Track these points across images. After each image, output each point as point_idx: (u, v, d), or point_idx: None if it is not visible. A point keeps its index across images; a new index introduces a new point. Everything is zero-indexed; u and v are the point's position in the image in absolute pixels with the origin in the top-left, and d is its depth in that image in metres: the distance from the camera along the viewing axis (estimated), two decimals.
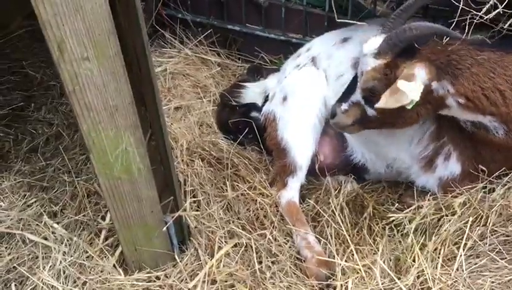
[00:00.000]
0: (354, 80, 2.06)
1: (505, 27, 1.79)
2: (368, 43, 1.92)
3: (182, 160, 2.40)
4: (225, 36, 3.25)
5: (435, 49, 1.84)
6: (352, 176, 2.43)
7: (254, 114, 2.71)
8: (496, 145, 1.98)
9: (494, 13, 1.73)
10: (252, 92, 2.80)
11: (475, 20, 1.73)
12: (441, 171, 2.20)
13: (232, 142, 2.63)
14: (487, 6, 1.74)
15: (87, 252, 2.03)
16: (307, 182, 2.43)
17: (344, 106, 2.07)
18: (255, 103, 2.75)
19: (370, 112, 2.00)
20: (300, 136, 2.39)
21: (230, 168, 2.43)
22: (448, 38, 1.82)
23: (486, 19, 1.73)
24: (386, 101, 1.79)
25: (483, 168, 2.03)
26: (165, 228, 1.92)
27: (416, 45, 1.82)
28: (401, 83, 1.77)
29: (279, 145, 2.43)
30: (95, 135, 1.62)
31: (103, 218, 2.10)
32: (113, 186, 1.77)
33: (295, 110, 2.41)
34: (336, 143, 2.46)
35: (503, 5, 1.73)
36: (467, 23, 1.75)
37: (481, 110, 1.89)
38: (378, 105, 1.81)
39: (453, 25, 1.77)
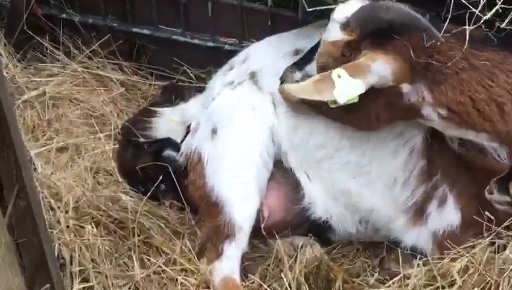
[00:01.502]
0: (317, 45, 2.19)
1: (502, 26, 1.90)
2: (344, 4, 2.07)
3: (67, 226, 2.34)
4: (130, 43, 3.28)
5: (417, 44, 1.95)
6: (313, 237, 2.44)
7: (169, 153, 2.73)
8: None
9: (493, 11, 1.85)
10: (167, 122, 2.83)
11: (468, 27, 1.85)
12: (435, 222, 2.26)
13: (141, 196, 2.61)
14: (483, 2, 1.86)
15: None
16: (251, 248, 2.44)
17: (298, 75, 2.18)
18: (171, 138, 2.78)
19: None
20: (238, 185, 2.40)
21: (139, 235, 2.40)
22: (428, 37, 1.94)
23: (484, 18, 1.84)
24: (299, 89, 2.01)
25: (490, 216, 2.06)
26: None
27: (392, 33, 1.96)
28: (338, 74, 1.93)
29: (208, 197, 2.43)
30: None
31: None
32: None
33: (230, 147, 2.44)
34: (287, 191, 2.49)
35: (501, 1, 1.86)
36: (466, 21, 1.86)
37: (471, 126, 2.01)
38: (286, 86, 2.05)
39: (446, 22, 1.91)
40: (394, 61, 1.98)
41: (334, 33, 2.07)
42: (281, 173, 2.49)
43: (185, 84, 3.20)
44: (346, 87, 1.94)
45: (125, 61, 3.29)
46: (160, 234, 2.48)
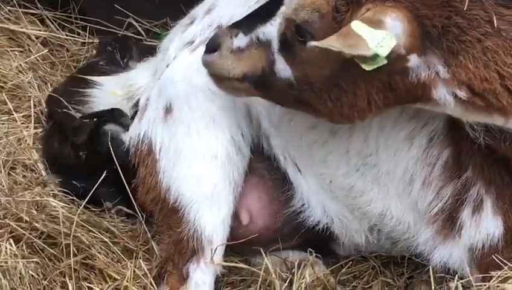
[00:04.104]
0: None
1: None
2: None
3: None
4: None
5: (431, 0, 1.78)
6: (314, 253, 2.23)
7: (112, 129, 2.46)
8: None
9: None
10: (108, 96, 2.60)
11: None
12: (470, 234, 2.07)
13: (76, 200, 2.43)
14: None
15: None
16: (228, 269, 2.28)
17: (240, 40, 1.94)
18: (116, 110, 2.51)
19: (282, 69, 1.86)
20: (204, 181, 2.20)
21: (75, 255, 2.24)
22: None
23: None
24: (332, 41, 1.72)
25: None
26: None
27: None
28: (357, 25, 1.71)
29: (164, 201, 2.25)
30: None
31: None
32: None
33: (190, 130, 2.25)
34: (273, 188, 2.32)
35: None
36: None
37: (499, 110, 1.82)
38: (316, 43, 1.74)
39: None
40: (405, 19, 1.75)
41: None
42: (263, 162, 2.30)
43: (131, 40, 3.02)
44: (375, 36, 1.69)
45: (49, 11, 3.12)
46: (104, 252, 2.31)
